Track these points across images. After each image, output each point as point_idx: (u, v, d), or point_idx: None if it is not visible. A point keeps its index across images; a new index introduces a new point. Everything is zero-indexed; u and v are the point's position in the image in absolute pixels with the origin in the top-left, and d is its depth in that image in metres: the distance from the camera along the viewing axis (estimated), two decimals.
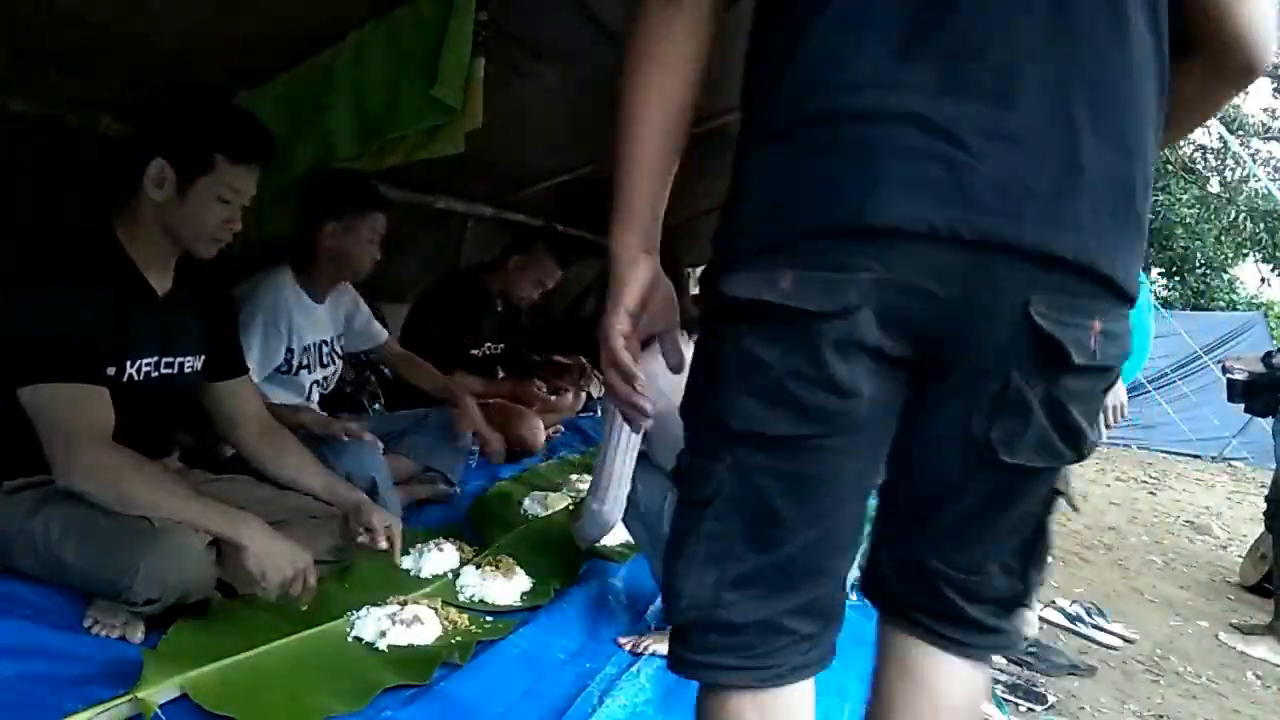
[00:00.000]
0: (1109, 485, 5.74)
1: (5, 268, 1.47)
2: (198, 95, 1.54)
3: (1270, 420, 3.02)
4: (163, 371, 1.53)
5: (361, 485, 1.94)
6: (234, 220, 1.50)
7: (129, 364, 1.45)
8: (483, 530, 2.18)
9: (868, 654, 1.89)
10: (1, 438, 1.41)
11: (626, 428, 1.56)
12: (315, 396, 2.26)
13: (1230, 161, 15.03)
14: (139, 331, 1.46)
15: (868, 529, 0.87)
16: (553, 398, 3.43)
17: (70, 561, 1.32)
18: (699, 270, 5.64)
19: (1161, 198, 15.71)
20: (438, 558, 1.89)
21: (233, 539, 1.33)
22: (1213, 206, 15.34)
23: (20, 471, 1.40)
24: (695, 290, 5.48)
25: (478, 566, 1.87)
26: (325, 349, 2.24)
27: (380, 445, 2.14)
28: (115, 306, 1.40)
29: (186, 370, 1.58)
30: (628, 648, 1.69)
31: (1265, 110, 15.01)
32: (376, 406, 2.76)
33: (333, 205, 2.06)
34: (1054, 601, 2.73)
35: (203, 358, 1.61)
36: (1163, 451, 7.38)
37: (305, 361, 2.16)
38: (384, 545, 1.62)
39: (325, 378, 2.29)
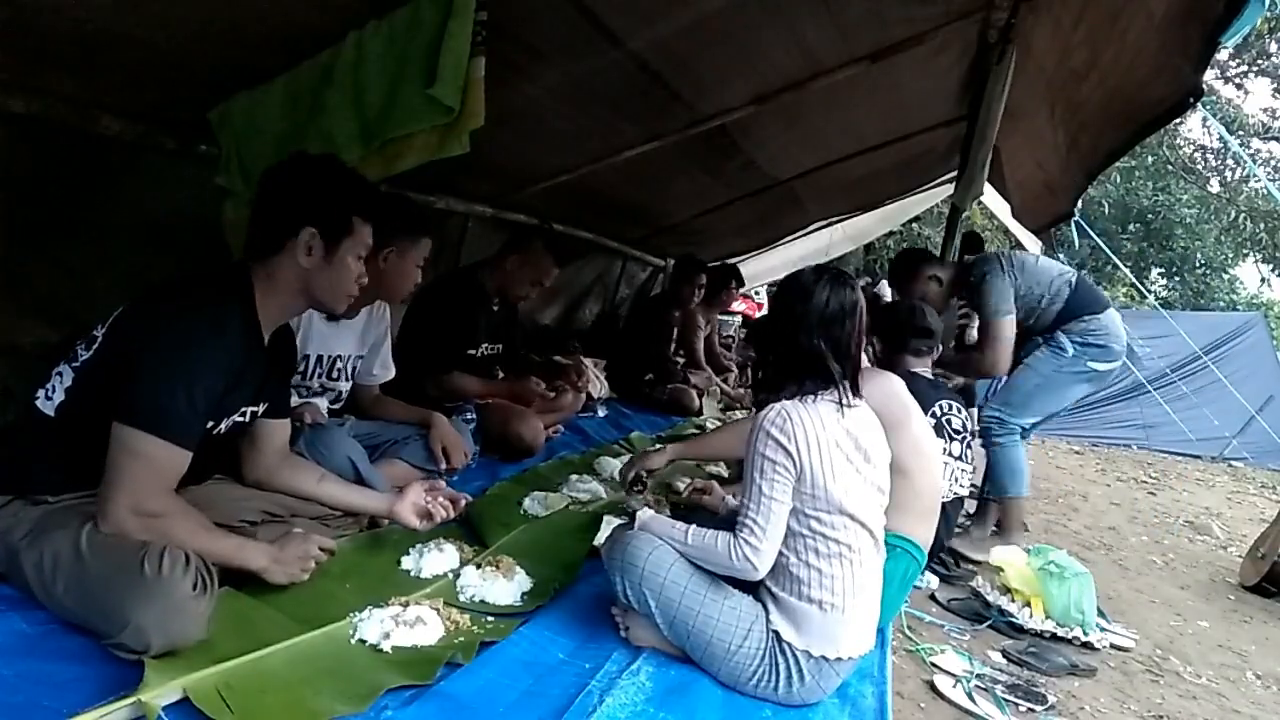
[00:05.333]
0: (1109, 485, 5.74)
1: (10, 266, 1.49)
2: (306, 160, 1.59)
3: None
4: (240, 420, 1.58)
5: (342, 468, 1.98)
6: (364, 274, 1.61)
7: (225, 420, 1.52)
8: (483, 530, 2.17)
9: (869, 653, 1.90)
10: (21, 450, 1.45)
11: (780, 478, 1.53)
12: (323, 405, 2.29)
13: (1230, 161, 15.02)
14: (243, 391, 1.52)
15: None
16: (551, 394, 3.42)
17: (61, 598, 1.33)
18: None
19: (1161, 198, 15.72)
20: (438, 558, 1.89)
21: (247, 568, 1.49)
22: (1213, 206, 15.34)
23: (26, 487, 1.42)
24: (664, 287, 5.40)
25: (478, 566, 1.87)
26: (338, 365, 2.26)
27: (348, 421, 2.27)
28: (237, 372, 1.45)
29: (257, 417, 1.63)
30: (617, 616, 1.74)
31: (1265, 110, 15.00)
32: None
33: (388, 230, 2.02)
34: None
35: (265, 404, 1.64)
36: (1162, 452, 7.37)
37: (318, 371, 2.20)
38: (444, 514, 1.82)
39: (333, 390, 2.30)
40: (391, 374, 2.52)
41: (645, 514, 1.73)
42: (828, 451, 1.55)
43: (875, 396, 1.89)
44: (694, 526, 1.63)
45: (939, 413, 2.52)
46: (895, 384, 2.10)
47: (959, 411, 2.62)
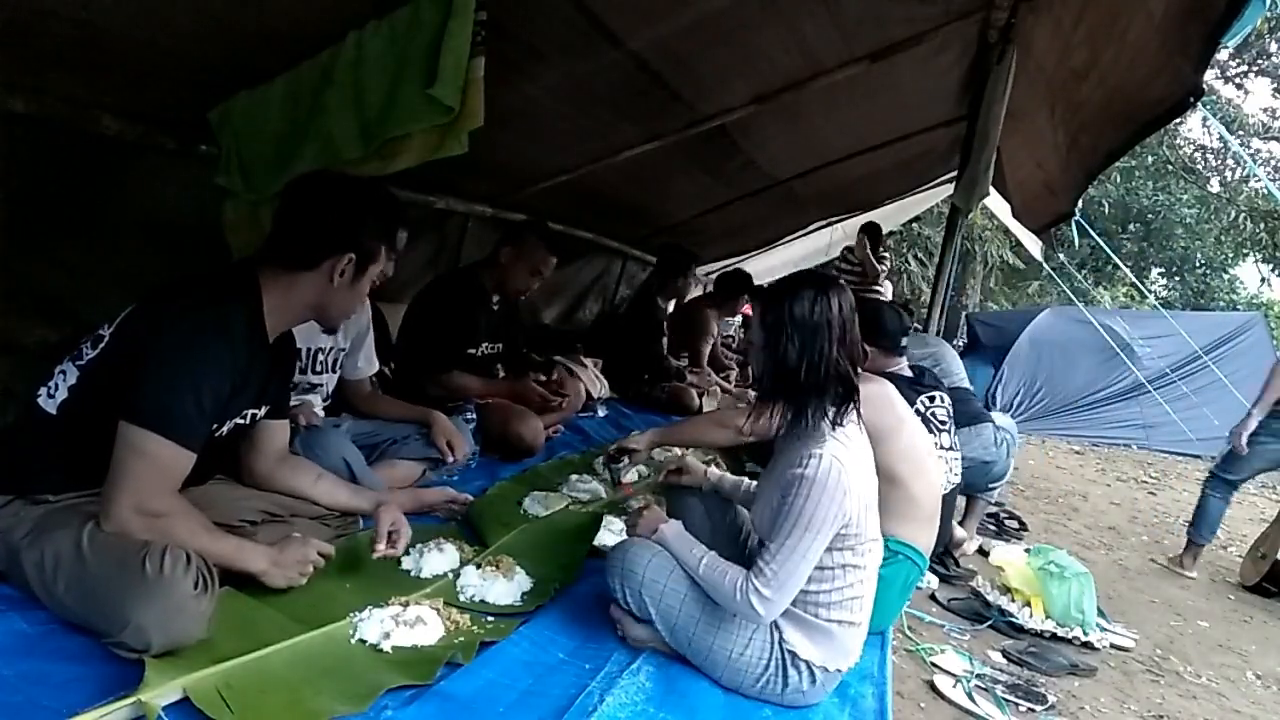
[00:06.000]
0: (1109, 485, 5.74)
1: (10, 266, 1.48)
2: (356, 185, 1.60)
3: None
4: (241, 422, 1.58)
5: (337, 471, 1.97)
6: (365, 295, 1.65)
7: (229, 422, 1.53)
8: (483, 530, 2.17)
9: (869, 654, 1.90)
10: (21, 449, 1.44)
11: (829, 522, 1.46)
12: (316, 401, 2.28)
13: (1230, 161, 15.01)
14: (247, 394, 1.53)
15: None
16: (555, 400, 3.39)
17: (62, 597, 1.33)
18: (708, 269, 5.56)
19: (1162, 198, 15.72)
20: (438, 558, 1.89)
21: (247, 571, 1.49)
22: (1213, 206, 15.34)
23: (27, 486, 1.42)
24: (700, 291, 5.39)
25: (478, 566, 1.87)
26: (320, 357, 2.25)
27: (345, 422, 2.26)
28: (242, 376, 1.47)
29: (258, 419, 1.64)
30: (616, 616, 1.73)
31: (1265, 110, 15.00)
32: None
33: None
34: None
35: (266, 406, 1.66)
36: (1163, 451, 7.37)
37: (303, 365, 2.19)
38: (384, 550, 1.71)
39: (317, 385, 2.29)
40: (375, 368, 2.51)
41: (671, 528, 1.67)
42: (868, 488, 1.54)
43: (869, 405, 1.87)
44: (711, 555, 1.60)
45: (922, 409, 2.49)
46: (887, 390, 2.08)
47: (942, 400, 2.60)
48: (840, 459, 1.48)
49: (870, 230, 6.02)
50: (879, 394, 2.03)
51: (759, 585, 1.47)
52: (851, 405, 1.58)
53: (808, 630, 1.57)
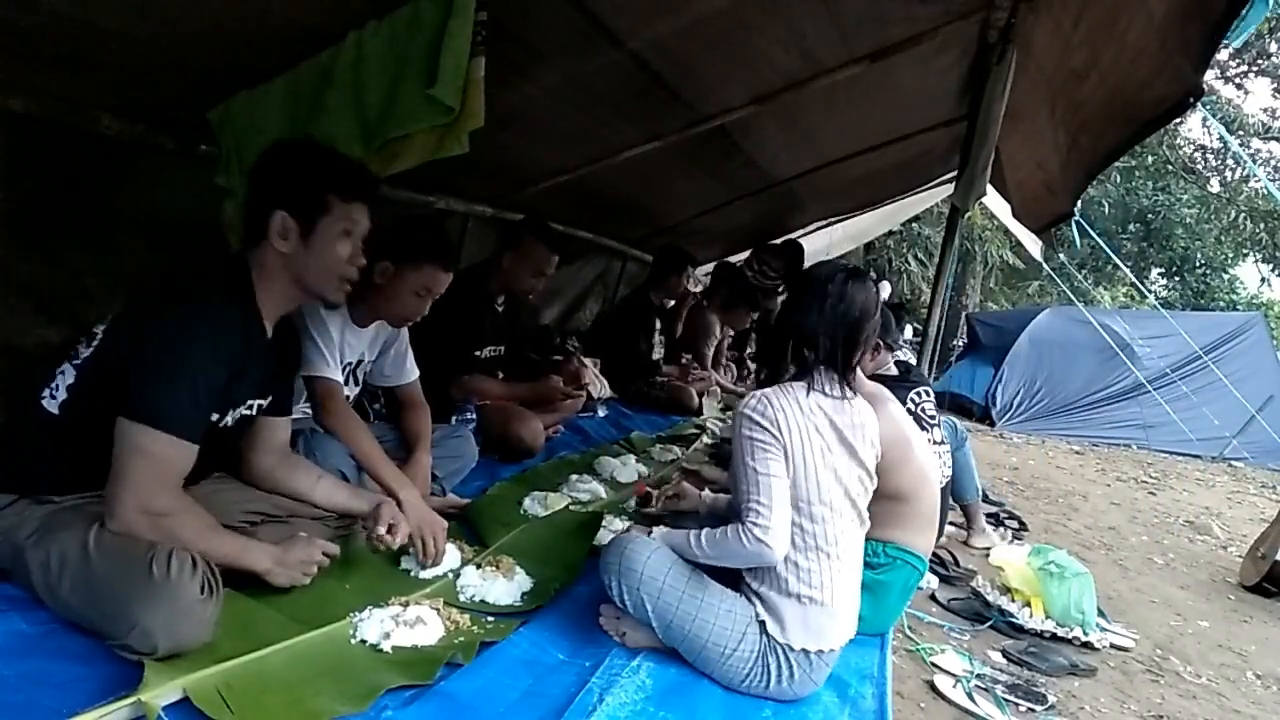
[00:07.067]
0: (1109, 485, 5.74)
1: (10, 266, 1.48)
2: (280, 146, 1.58)
3: None
4: (247, 413, 1.58)
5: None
6: (357, 256, 1.57)
7: (230, 413, 1.52)
8: (483, 530, 2.17)
9: (869, 654, 1.90)
10: (25, 449, 1.44)
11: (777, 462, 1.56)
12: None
13: (1230, 161, 15.00)
14: (248, 384, 1.53)
15: None
16: (578, 394, 3.36)
17: (67, 598, 1.33)
18: (704, 268, 5.55)
19: (1162, 198, 15.72)
20: None
21: (251, 569, 1.49)
22: (1213, 206, 15.33)
23: (32, 486, 1.42)
24: (698, 288, 5.37)
25: (478, 566, 1.87)
26: (348, 369, 2.25)
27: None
28: (240, 364, 1.46)
29: (261, 411, 1.64)
30: (608, 628, 1.73)
31: (1265, 110, 14.99)
32: (377, 406, 2.76)
33: (391, 243, 1.97)
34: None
35: (270, 399, 1.65)
36: (1163, 451, 7.37)
37: (343, 378, 2.17)
38: (384, 535, 1.71)
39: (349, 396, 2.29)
40: (409, 379, 2.42)
41: (658, 530, 1.73)
42: (807, 435, 1.59)
43: (884, 428, 1.93)
44: (704, 530, 1.63)
45: (912, 407, 2.50)
46: (894, 410, 2.09)
47: (928, 394, 2.59)
48: (768, 396, 1.61)
49: (791, 250, 5.77)
50: (886, 417, 2.04)
51: (753, 521, 1.54)
52: (820, 380, 1.67)
53: (771, 607, 1.59)
